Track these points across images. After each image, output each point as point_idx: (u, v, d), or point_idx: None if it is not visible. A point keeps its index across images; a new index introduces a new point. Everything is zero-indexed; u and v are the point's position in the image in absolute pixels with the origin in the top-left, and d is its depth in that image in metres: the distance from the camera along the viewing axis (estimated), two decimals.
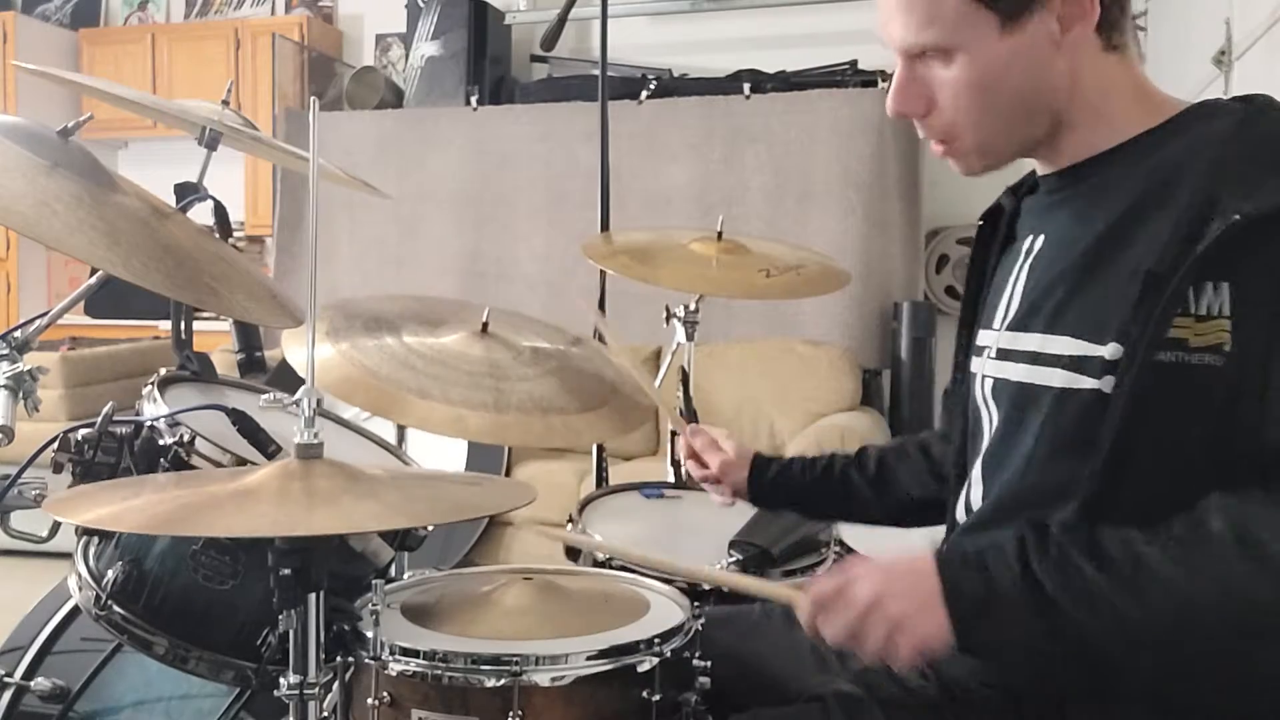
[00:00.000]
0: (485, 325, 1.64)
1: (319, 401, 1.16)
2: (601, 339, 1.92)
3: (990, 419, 1.17)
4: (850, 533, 1.65)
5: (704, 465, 1.56)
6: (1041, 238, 1.16)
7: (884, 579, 1.03)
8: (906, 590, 1.02)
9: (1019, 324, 1.13)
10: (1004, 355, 1.15)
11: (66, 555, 1.43)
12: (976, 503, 1.19)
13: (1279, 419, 0.96)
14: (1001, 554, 1.01)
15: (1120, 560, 0.96)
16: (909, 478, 1.44)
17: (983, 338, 1.21)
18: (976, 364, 1.21)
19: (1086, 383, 1.03)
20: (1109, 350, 1.01)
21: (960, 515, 1.21)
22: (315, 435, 1.14)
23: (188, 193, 1.79)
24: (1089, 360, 1.03)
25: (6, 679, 1.72)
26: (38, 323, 1.53)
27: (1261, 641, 0.99)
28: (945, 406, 1.43)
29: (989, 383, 1.17)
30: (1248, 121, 1.04)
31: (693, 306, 2.13)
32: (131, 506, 1.10)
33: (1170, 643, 0.99)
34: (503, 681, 1.16)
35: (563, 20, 2.52)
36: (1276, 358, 0.95)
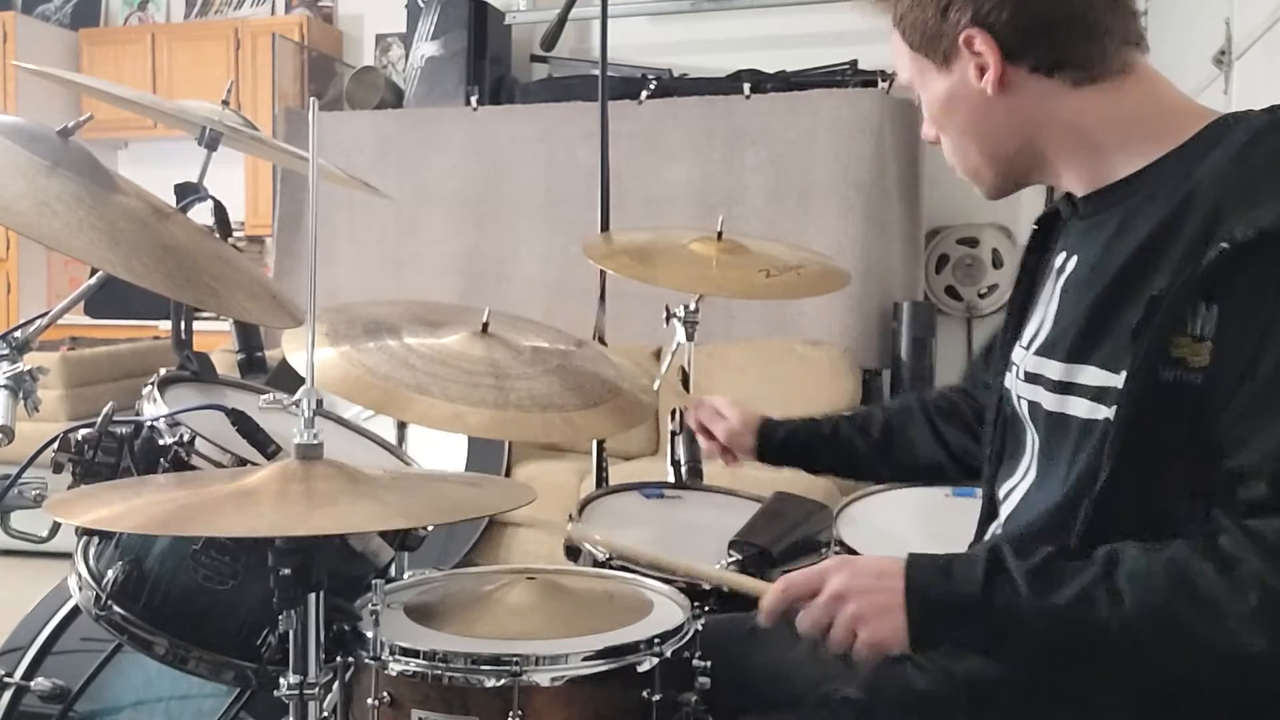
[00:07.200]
0: (485, 325, 1.64)
1: (319, 402, 1.16)
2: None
3: (1033, 439, 1.16)
4: (849, 532, 1.65)
5: (711, 436, 1.69)
6: (1075, 259, 1.14)
7: (852, 576, 1.07)
8: (870, 589, 1.05)
9: (1046, 349, 1.13)
10: (1032, 379, 1.14)
11: (66, 555, 1.43)
12: (1009, 511, 1.19)
13: (1238, 443, 0.95)
14: (968, 566, 1.02)
15: (1079, 597, 0.97)
16: (917, 441, 1.54)
17: (1015, 354, 1.20)
18: (1009, 379, 1.21)
19: (1104, 412, 1.03)
20: (1121, 379, 1.01)
21: (1003, 510, 1.21)
22: (315, 436, 1.14)
23: (188, 193, 1.79)
24: (1108, 391, 1.03)
25: (6, 679, 1.72)
26: (38, 323, 1.53)
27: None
28: (975, 372, 1.51)
29: (1024, 403, 1.17)
30: (1257, 137, 1.02)
31: (693, 306, 2.13)
32: (132, 507, 1.10)
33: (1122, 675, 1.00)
34: (503, 681, 1.16)
35: (563, 20, 2.52)
36: (1246, 381, 0.95)
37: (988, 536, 1.22)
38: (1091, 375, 1.05)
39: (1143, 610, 0.95)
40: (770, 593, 1.12)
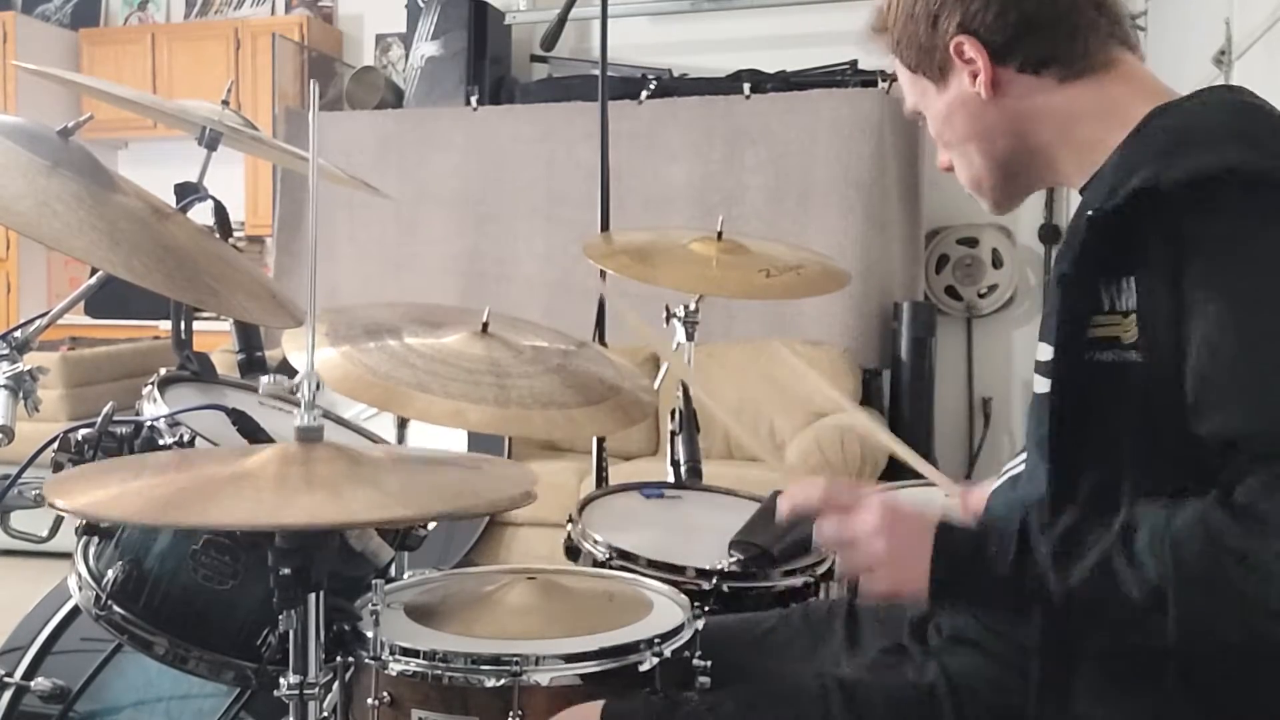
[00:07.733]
0: (485, 325, 1.64)
1: (318, 385, 1.15)
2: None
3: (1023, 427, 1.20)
4: None
5: None
6: None
7: (890, 519, 1.07)
8: (903, 536, 1.06)
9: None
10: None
11: (66, 555, 1.43)
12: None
13: (1211, 407, 0.93)
14: (1000, 537, 1.02)
15: (1098, 577, 0.96)
16: None
17: None
18: None
19: (1046, 385, 1.06)
20: (1050, 353, 1.04)
21: None
22: (315, 418, 1.13)
23: (188, 193, 1.79)
24: (1049, 364, 1.05)
25: (6, 679, 1.72)
26: (38, 323, 1.53)
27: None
28: None
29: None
30: (1150, 117, 1.06)
31: (693, 306, 2.13)
32: (128, 489, 1.08)
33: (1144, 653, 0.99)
34: (503, 681, 1.16)
35: (563, 20, 2.52)
36: (1187, 344, 0.94)
37: None
38: (1042, 350, 1.09)
39: (1165, 577, 0.92)
40: (807, 489, 1.12)
